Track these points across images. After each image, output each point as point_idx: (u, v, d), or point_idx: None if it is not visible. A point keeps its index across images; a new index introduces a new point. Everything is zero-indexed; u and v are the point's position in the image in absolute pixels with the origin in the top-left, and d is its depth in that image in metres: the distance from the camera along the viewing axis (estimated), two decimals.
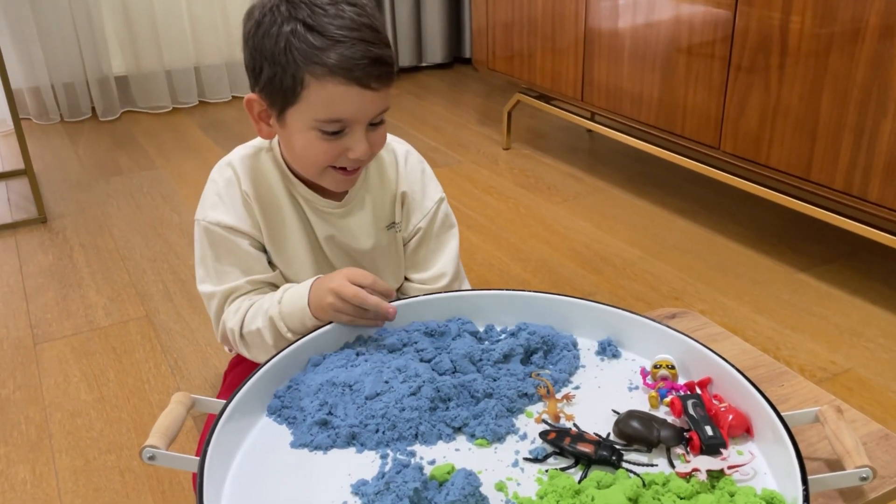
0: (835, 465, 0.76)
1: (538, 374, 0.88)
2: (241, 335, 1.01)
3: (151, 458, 0.73)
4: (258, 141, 1.05)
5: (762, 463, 0.76)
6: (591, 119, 2.22)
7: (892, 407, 1.25)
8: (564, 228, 1.93)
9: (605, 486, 0.72)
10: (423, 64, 3.47)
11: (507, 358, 0.90)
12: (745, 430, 0.80)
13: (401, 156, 1.10)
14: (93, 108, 2.97)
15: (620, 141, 2.04)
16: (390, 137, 1.07)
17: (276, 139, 1.03)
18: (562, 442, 0.78)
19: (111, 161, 2.49)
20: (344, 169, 0.97)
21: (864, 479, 0.69)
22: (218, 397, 1.13)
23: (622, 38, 1.87)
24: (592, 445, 0.76)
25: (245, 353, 1.04)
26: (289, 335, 0.96)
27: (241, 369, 1.14)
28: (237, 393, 0.82)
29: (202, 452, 0.73)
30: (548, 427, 0.81)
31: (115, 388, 1.35)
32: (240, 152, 1.06)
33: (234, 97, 3.16)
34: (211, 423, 1.08)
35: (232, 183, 1.03)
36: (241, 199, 1.02)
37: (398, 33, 3.31)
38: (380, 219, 1.09)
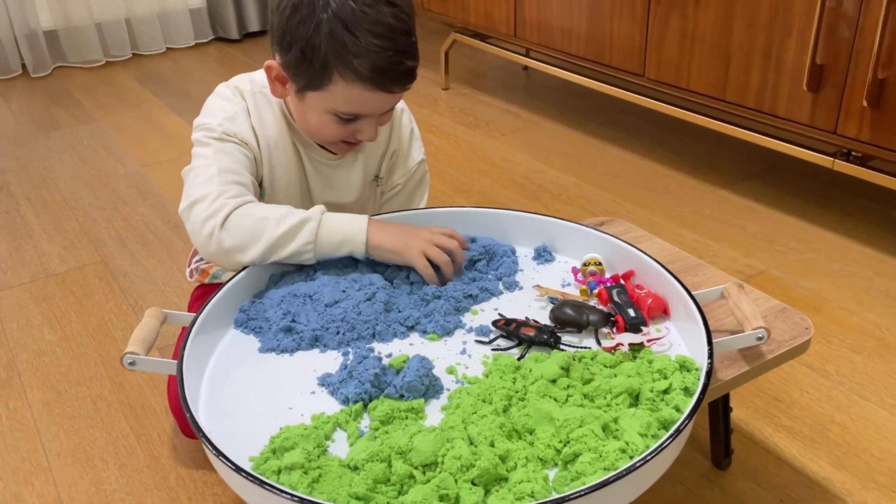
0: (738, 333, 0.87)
1: (538, 287, 0.96)
2: (230, 214, 0.94)
3: (132, 363, 0.80)
4: (262, 78, 1.05)
5: (677, 337, 0.87)
6: (526, 55, 2.29)
7: (800, 300, 1.39)
8: (503, 161, 2.02)
9: (541, 361, 0.83)
10: None
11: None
12: (662, 311, 0.91)
13: (396, 115, 1.16)
14: (23, 65, 2.91)
15: (554, 75, 2.13)
16: None
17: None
18: (509, 328, 0.87)
19: (48, 116, 2.46)
20: (348, 142, 1.04)
21: (759, 339, 0.80)
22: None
23: None
24: (534, 330, 0.86)
25: (205, 232, 0.94)
26: (306, 244, 0.93)
27: (203, 301, 1.20)
28: (207, 304, 0.89)
29: (178, 356, 0.81)
30: (499, 317, 0.91)
31: (78, 328, 1.40)
32: (249, 87, 1.06)
33: (168, 49, 3.12)
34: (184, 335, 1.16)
35: (245, 114, 1.05)
36: (252, 132, 1.05)
37: None
38: (367, 172, 1.15)
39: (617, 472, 0.64)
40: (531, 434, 0.73)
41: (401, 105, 1.17)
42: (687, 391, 0.77)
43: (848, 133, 1.39)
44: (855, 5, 1.32)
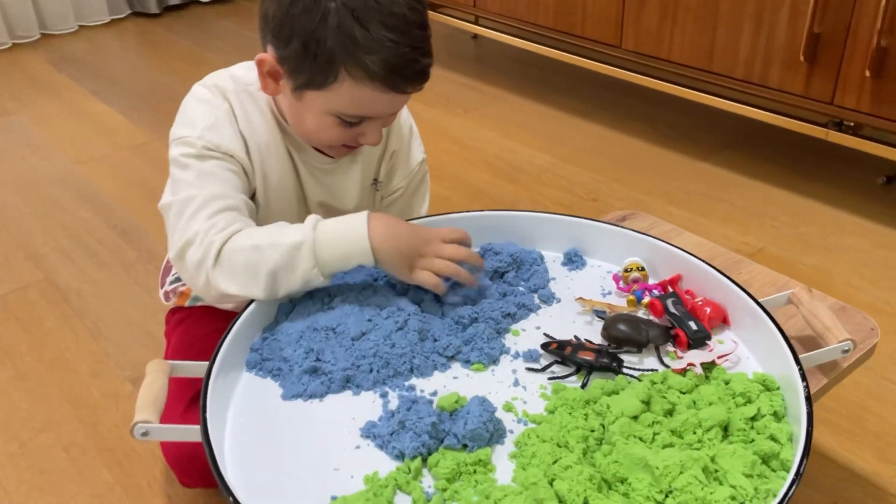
0: (808, 342, 0.81)
1: (582, 299, 0.88)
2: (220, 251, 0.82)
3: (145, 433, 0.68)
4: (245, 73, 0.93)
5: (743, 349, 0.81)
6: (476, 23, 2.18)
7: (806, 278, 1.35)
8: (472, 140, 1.92)
9: (609, 392, 0.74)
10: None
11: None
12: (721, 321, 0.84)
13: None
14: None
15: (510, 44, 2.02)
16: None
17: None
18: (563, 352, 0.79)
19: None
20: (349, 145, 0.92)
21: (845, 352, 0.74)
22: (165, 356, 1.06)
23: None
24: (593, 353, 0.78)
25: (200, 281, 0.84)
26: (311, 268, 0.81)
27: (185, 327, 1.07)
28: (218, 351, 0.77)
29: (202, 420, 0.69)
30: (548, 339, 0.82)
31: (31, 363, 1.24)
32: (231, 85, 0.93)
33: (80, 27, 2.85)
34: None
35: (230, 117, 0.92)
36: (239, 138, 0.92)
37: None
38: (366, 176, 1.04)
39: None
40: (623, 483, 0.65)
41: None
42: (776, 416, 0.71)
43: (846, 104, 1.35)
44: None
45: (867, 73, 1.29)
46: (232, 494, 0.61)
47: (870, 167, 1.67)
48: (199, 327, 1.06)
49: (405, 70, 0.82)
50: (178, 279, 1.09)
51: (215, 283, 0.82)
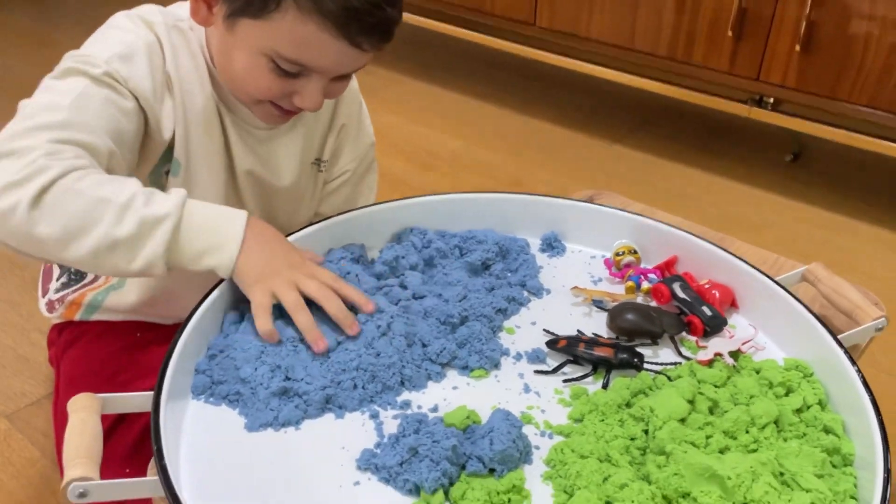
0: (828, 321, 0.76)
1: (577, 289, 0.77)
2: (52, 183, 0.62)
3: (83, 494, 0.51)
4: (177, 9, 0.77)
5: (761, 335, 0.74)
6: None
7: None
8: (376, 126, 1.78)
9: (636, 391, 0.65)
10: None
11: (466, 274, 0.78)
12: (730, 304, 0.77)
13: None
14: None
15: (405, 25, 1.90)
16: None
17: (201, 29, 0.76)
18: (575, 349, 0.68)
19: None
20: (281, 108, 0.75)
21: (879, 329, 0.69)
22: (57, 391, 0.86)
23: None
24: (611, 349, 0.68)
25: (12, 224, 0.63)
26: (161, 253, 0.64)
27: (79, 349, 0.86)
28: (163, 379, 0.60)
29: (159, 469, 0.52)
30: (553, 336, 0.71)
31: None
32: (161, 17, 0.76)
33: None
34: (59, 421, 0.83)
35: (154, 51, 0.74)
36: (163, 79, 0.74)
37: None
38: (307, 151, 0.87)
39: None
40: (686, 498, 0.56)
41: None
42: (821, 405, 0.64)
43: (772, 80, 1.35)
44: None
45: (797, 48, 1.28)
46: None
47: (778, 146, 1.69)
48: (98, 348, 0.86)
49: (364, 16, 0.68)
50: (66, 285, 0.89)
51: (25, 218, 0.62)
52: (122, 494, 0.54)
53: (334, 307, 0.67)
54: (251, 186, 0.84)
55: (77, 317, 0.88)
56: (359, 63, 0.74)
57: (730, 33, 1.35)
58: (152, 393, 0.59)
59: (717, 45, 1.39)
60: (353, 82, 0.91)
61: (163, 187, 0.78)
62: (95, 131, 0.68)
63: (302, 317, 0.66)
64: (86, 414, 0.56)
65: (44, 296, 0.92)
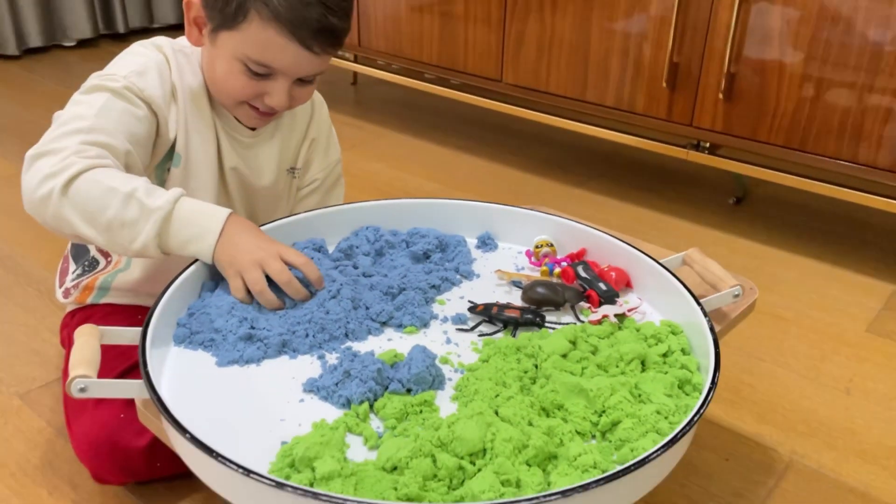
0: (701, 295, 0.91)
1: (500, 271, 0.93)
2: (77, 175, 0.79)
3: (83, 389, 0.66)
4: (181, 42, 0.96)
5: (646, 306, 0.89)
6: (355, 61, 2.26)
7: None
8: (360, 171, 1.97)
9: (546, 338, 0.80)
10: (155, 25, 3.23)
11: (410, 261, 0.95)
12: (625, 284, 0.92)
13: (317, 103, 1.08)
14: None
15: (389, 88, 2.11)
16: None
17: (199, 51, 0.95)
18: (490, 311, 0.84)
19: None
20: (257, 109, 0.93)
21: (736, 296, 0.84)
22: (66, 361, 1.01)
23: None
24: (518, 311, 0.83)
25: (40, 192, 0.80)
26: (153, 237, 0.79)
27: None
28: (152, 315, 0.76)
29: (144, 374, 0.68)
30: (473, 304, 0.86)
31: None
32: (169, 43, 0.94)
33: None
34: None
35: (163, 68, 0.92)
36: (170, 89, 0.92)
37: None
38: (284, 159, 1.05)
39: (680, 426, 0.64)
40: (561, 409, 0.70)
41: (320, 97, 1.09)
42: (683, 351, 0.79)
43: (703, 125, 1.53)
44: (706, 10, 1.45)
45: (720, 97, 1.47)
46: (187, 431, 0.61)
47: (722, 190, 1.87)
48: (105, 325, 1.02)
49: (310, 21, 0.84)
50: (81, 274, 1.05)
51: (57, 203, 0.79)
52: (114, 393, 0.69)
53: (283, 280, 0.80)
54: (236, 182, 1.01)
55: (89, 300, 1.04)
56: (314, 66, 0.89)
57: (664, 85, 1.54)
58: (141, 328, 0.74)
59: (654, 95, 1.58)
60: (324, 110, 1.10)
61: (164, 181, 0.96)
62: (115, 135, 0.85)
63: (257, 290, 0.80)
64: (88, 338, 0.71)
65: (61, 286, 1.09)
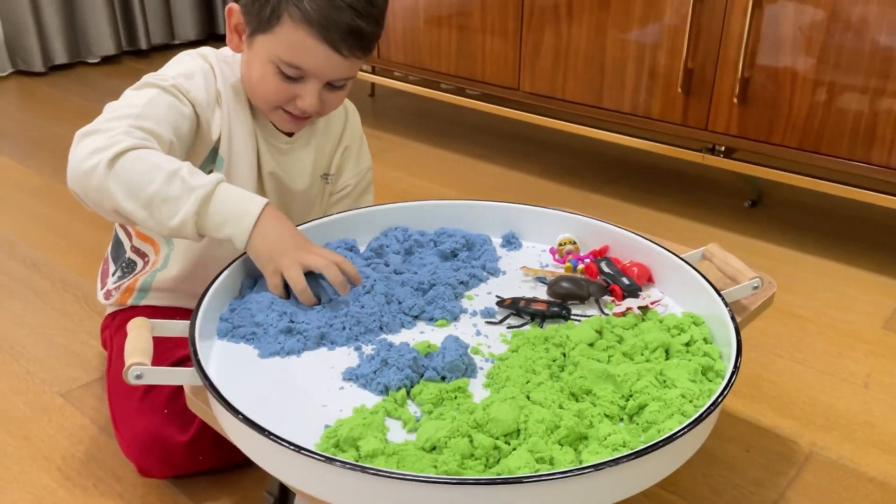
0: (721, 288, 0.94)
1: (526, 268, 0.97)
2: (125, 150, 0.82)
3: (139, 376, 0.70)
4: (225, 52, 1.00)
5: (668, 299, 0.92)
6: (373, 72, 2.31)
7: None
8: (382, 179, 2.01)
9: (573, 328, 0.83)
10: (176, 41, 3.30)
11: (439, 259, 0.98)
12: (647, 279, 0.95)
13: (350, 112, 1.12)
14: None
15: (406, 99, 2.16)
16: None
17: (240, 60, 0.99)
18: (518, 305, 0.87)
19: None
20: (291, 113, 0.97)
21: (755, 288, 0.87)
22: (110, 360, 1.06)
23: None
24: (545, 304, 0.87)
25: (86, 165, 0.83)
26: (192, 214, 0.82)
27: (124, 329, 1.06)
28: (200, 307, 0.80)
29: (195, 362, 0.72)
30: (500, 298, 0.90)
31: None
32: (214, 52, 0.99)
33: None
34: (111, 384, 1.02)
35: (209, 74, 0.97)
36: (215, 94, 0.97)
37: (147, 10, 3.12)
38: (318, 165, 1.10)
39: (705, 407, 0.67)
40: (589, 394, 0.73)
41: (353, 106, 1.14)
42: (706, 341, 0.82)
43: (718, 128, 1.56)
44: (719, 17, 1.49)
45: (735, 101, 1.51)
46: (240, 413, 0.65)
47: (738, 193, 1.90)
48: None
49: (339, 24, 0.88)
50: (121, 277, 1.10)
51: (101, 176, 0.82)
52: (167, 380, 0.73)
53: (332, 274, 0.85)
54: (273, 186, 1.05)
55: (129, 302, 1.08)
56: (343, 69, 0.92)
57: (679, 90, 1.58)
58: (189, 322, 0.78)
59: (670, 101, 1.61)
60: (357, 119, 1.14)
61: None
62: (161, 124, 0.90)
63: (298, 289, 0.84)
64: (141, 330, 0.75)
65: (102, 288, 1.13)
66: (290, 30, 0.89)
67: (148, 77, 0.94)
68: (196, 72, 0.96)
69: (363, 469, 0.59)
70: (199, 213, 0.83)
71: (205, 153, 0.99)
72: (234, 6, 0.94)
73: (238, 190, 0.86)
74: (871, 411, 1.15)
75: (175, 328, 0.80)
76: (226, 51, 1.01)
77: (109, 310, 1.12)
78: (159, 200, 0.83)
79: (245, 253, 0.88)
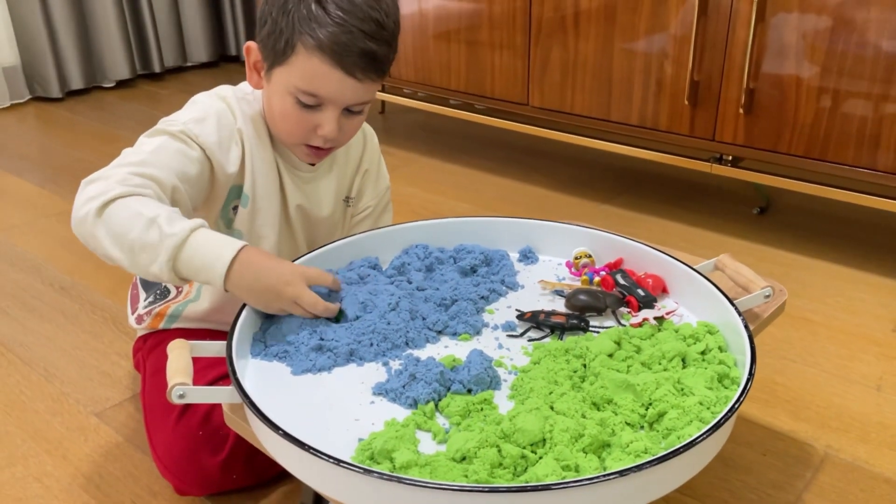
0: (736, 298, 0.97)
1: (544, 281, 1.01)
2: (113, 199, 0.86)
3: (182, 395, 0.74)
4: (243, 89, 1.03)
5: (683, 309, 0.95)
6: (383, 90, 2.35)
7: None
8: (395, 195, 2.03)
9: (592, 340, 0.86)
10: (188, 64, 3.36)
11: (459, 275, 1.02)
12: (662, 290, 0.99)
13: (368, 135, 1.15)
14: None
15: (416, 116, 2.20)
16: None
17: (260, 96, 1.02)
18: (538, 318, 0.91)
19: None
20: (314, 146, 0.99)
21: (767, 297, 0.91)
22: (144, 382, 1.09)
23: (426, 18, 2.03)
24: (564, 317, 0.90)
25: (81, 212, 0.87)
26: (167, 261, 0.84)
27: (162, 350, 1.10)
28: (234, 329, 0.84)
29: (234, 381, 0.75)
30: (521, 312, 0.93)
31: None
32: (232, 91, 1.02)
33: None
34: (147, 405, 1.06)
35: (226, 115, 0.99)
36: (236, 134, 1.00)
37: (160, 34, 3.18)
38: (340, 190, 1.13)
39: (722, 413, 0.70)
40: (610, 403, 0.76)
41: (370, 129, 1.17)
42: (720, 349, 0.85)
43: (725, 139, 1.59)
44: (723, 28, 1.53)
45: (741, 111, 1.54)
46: (279, 428, 0.68)
47: (746, 202, 1.93)
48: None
49: (351, 48, 0.90)
50: (153, 302, 1.14)
51: (91, 223, 0.86)
52: (208, 398, 0.76)
53: (320, 310, 0.87)
54: (300, 217, 1.09)
55: (160, 326, 1.12)
56: (359, 93, 0.94)
57: (686, 102, 1.61)
58: (225, 343, 0.82)
59: (676, 112, 1.65)
60: (375, 141, 1.18)
61: (232, 220, 1.04)
62: (164, 170, 0.92)
63: (320, 310, 0.87)
64: (181, 351, 0.79)
65: (133, 313, 1.17)
66: (304, 58, 0.92)
67: (161, 122, 0.98)
68: (209, 115, 0.98)
69: (399, 480, 0.62)
70: (173, 261, 0.85)
71: (224, 192, 1.01)
72: (252, 44, 0.97)
73: (215, 235, 0.87)
74: (885, 413, 1.18)
75: (212, 349, 0.84)
76: (244, 86, 1.04)
77: (140, 333, 1.16)
78: (139, 248, 0.85)
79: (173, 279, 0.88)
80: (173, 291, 1.12)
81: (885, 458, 1.09)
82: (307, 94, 0.94)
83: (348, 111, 0.97)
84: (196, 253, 0.85)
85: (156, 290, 1.14)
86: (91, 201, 0.87)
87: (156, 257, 0.85)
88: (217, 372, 1.00)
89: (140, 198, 0.87)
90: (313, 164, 1.08)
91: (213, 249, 0.85)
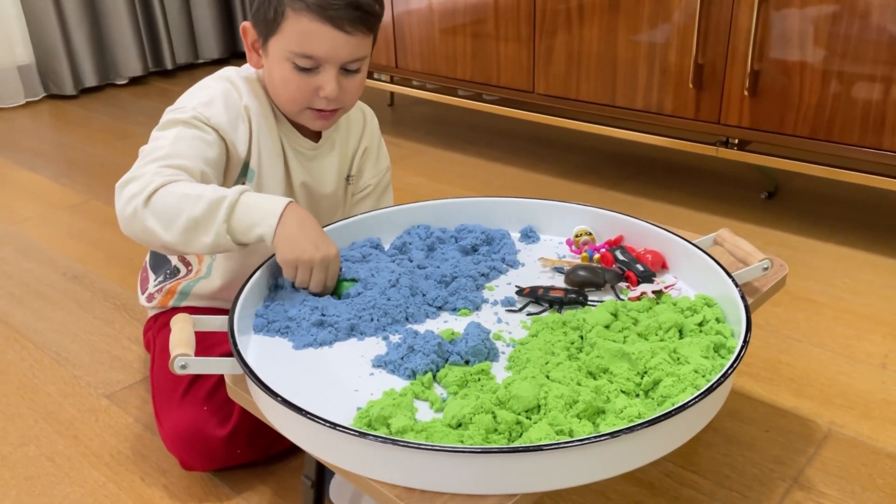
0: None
1: (543, 259, 1.02)
2: (155, 191, 0.89)
3: (184, 366, 0.75)
4: (247, 69, 1.06)
5: (682, 283, 0.96)
6: (391, 82, 2.36)
7: None
8: (405, 185, 2.07)
9: (589, 312, 0.87)
10: (200, 61, 3.39)
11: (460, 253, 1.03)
12: (661, 265, 0.99)
13: (368, 116, 1.18)
14: None
15: (424, 107, 2.21)
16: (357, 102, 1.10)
17: (261, 74, 1.04)
18: (536, 293, 0.92)
19: None
20: (318, 110, 1.01)
21: (765, 269, 0.91)
22: (153, 359, 1.11)
23: (433, 11, 2.04)
24: (562, 291, 0.91)
25: (128, 211, 0.90)
26: (223, 223, 0.87)
27: (169, 328, 1.12)
28: (237, 302, 0.85)
29: (235, 352, 0.77)
30: (520, 288, 0.94)
31: (1, 389, 1.25)
32: (236, 71, 1.05)
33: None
34: (155, 381, 1.08)
35: (231, 94, 1.02)
36: (242, 112, 1.02)
37: (171, 32, 3.21)
38: (342, 168, 1.15)
39: (716, 378, 0.70)
40: (606, 373, 0.77)
41: (371, 111, 1.19)
42: (718, 320, 0.85)
43: (730, 122, 1.59)
44: (727, 12, 1.53)
45: (745, 94, 1.54)
46: (278, 395, 0.70)
47: (754, 185, 1.92)
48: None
49: (335, 1, 0.92)
50: (163, 280, 1.16)
51: (141, 217, 0.89)
52: (210, 369, 0.78)
53: (315, 282, 0.90)
54: (304, 194, 1.11)
55: (170, 303, 1.14)
56: (351, 48, 0.96)
57: (691, 86, 1.61)
58: (227, 316, 0.84)
59: (682, 96, 1.65)
60: (375, 122, 1.19)
61: None
62: (190, 158, 0.95)
63: (314, 288, 0.90)
64: (184, 324, 0.81)
65: (143, 292, 1.19)
66: (294, 22, 0.94)
67: (168, 112, 0.99)
68: (215, 97, 1.01)
69: (394, 442, 0.63)
70: (227, 222, 0.87)
71: (237, 168, 1.04)
72: (247, 24, 1.00)
73: (260, 195, 0.91)
74: (889, 390, 1.18)
75: (214, 323, 0.85)
76: (247, 67, 1.06)
77: (151, 313, 1.18)
78: (192, 225, 0.88)
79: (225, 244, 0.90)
80: (183, 270, 1.14)
81: (888, 433, 1.09)
82: (303, 56, 0.96)
83: (346, 70, 0.99)
84: (249, 209, 0.88)
85: (165, 269, 1.16)
86: (134, 198, 0.90)
87: (212, 226, 0.87)
88: (224, 349, 1.02)
89: (180, 182, 0.90)
90: (316, 141, 1.09)
91: (264, 205, 0.89)
